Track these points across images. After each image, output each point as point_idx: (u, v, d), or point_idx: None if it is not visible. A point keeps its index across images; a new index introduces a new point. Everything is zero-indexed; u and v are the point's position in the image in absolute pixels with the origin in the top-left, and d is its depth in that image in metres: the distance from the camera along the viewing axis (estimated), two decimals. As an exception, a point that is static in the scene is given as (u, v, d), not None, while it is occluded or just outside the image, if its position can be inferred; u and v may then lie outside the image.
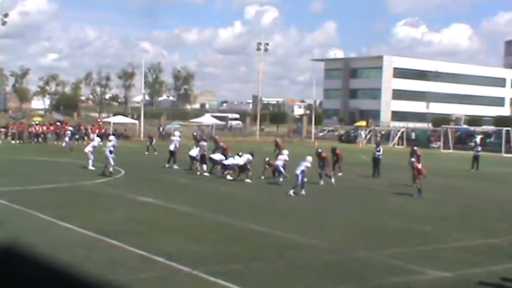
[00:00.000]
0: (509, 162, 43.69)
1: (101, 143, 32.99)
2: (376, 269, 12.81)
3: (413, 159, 27.47)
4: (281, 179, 27.41)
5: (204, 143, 32.27)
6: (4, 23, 62.67)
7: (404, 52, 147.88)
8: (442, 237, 16.61)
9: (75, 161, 35.88)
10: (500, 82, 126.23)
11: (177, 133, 35.15)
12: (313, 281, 11.53)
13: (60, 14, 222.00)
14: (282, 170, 27.70)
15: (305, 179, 24.23)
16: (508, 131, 62.16)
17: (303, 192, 23.73)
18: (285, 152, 29.71)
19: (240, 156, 28.99)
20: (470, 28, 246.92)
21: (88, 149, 31.24)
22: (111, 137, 32.39)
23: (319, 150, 29.31)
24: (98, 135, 36.42)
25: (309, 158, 24.97)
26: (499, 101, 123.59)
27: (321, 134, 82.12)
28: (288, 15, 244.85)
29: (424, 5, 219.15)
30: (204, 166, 30.61)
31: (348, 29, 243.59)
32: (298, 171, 23.89)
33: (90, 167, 30.34)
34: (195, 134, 41.73)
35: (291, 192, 23.41)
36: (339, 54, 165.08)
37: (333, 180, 28.06)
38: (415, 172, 25.26)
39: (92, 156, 30.71)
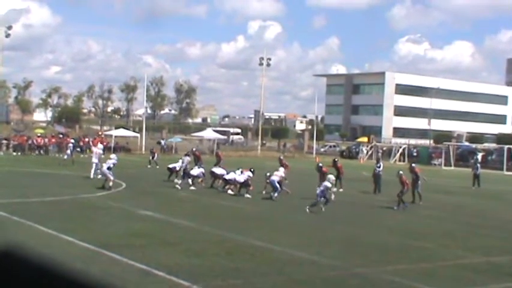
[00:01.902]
0: (511, 180, 43.61)
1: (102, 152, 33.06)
2: (376, 285, 12.79)
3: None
4: (276, 195, 27.28)
5: (188, 158, 32.65)
6: (8, 35, 63.09)
7: (407, 69, 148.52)
8: (443, 255, 16.57)
9: (76, 174, 35.93)
10: (502, 100, 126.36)
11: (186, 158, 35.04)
12: (313, 297, 11.52)
13: (64, 27, 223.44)
14: (277, 185, 27.58)
15: (326, 197, 24.12)
16: (509, 148, 62.14)
17: (323, 208, 23.61)
18: (281, 169, 29.71)
19: (242, 173, 28.94)
20: (473, 45, 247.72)
21: (105, 167, 29.93)
22: (112, 155, 32.29)
23: (320, 165, 29.25)
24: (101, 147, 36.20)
25: (331, 178, 25.22)
26: (500, 119, 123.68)
27: (322, 150, 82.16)
28: (291, 30, 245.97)
29: (427, 22, 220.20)
30: (183, 180, 30.77)
31: (351, 45, 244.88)
32: (318, 191, 23.92)
33: (92, 175, 30.00)
34: (194, 149, 41.41)
35: (308, 208, 23.43)
36: (341, 70, 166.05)
37: (332, 196, 27.87)
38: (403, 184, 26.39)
39: (96, 166, 30.41)
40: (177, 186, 30.04)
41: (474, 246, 18.06)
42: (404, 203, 25.07)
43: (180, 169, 33.09)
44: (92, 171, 30.64)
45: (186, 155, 34.71)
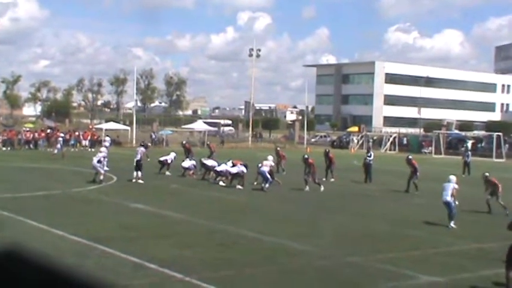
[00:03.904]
0: (500, 167, 43.80)
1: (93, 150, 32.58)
2: (368, 274, 12.85)
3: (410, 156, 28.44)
4: (267, 185, 27.26)
5: (142, 149, 31.55)
6: None
7: (396, 58, 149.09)
8: (434, 242, 16.67)
9: (67, 168, 35.86)
10: (491, 87, 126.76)
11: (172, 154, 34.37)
12: (305, 286, 11.56)
13: (52, 21, 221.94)
14: (268, 176, 27.52)
15: (454, 205, 19.42)
16: (498, 136, 62.39)
17: (453, 224, 18.89)
18: (270, 157, 29.68)
19: (234, 166, 28.86)
20: (462, 34, 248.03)
21: (95, 160, 29.10)
22: (103, 148, 32.12)
23: (306, 156, 29.13)
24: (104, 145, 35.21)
25: (453, 178, 20.01)
26: (489, 106, 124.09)
27: (313, 140, 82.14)
28: (281, 21, 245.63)
29: (416, 11, 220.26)
30: (139, 173, 29.37)
31: (340, 35, 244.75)
32: (448, 198, 19.11)
33: (100, 177, 29.08)
34: (184, 142, 41.35)
35: (452, 224, 18.87)
36: (331, 60, 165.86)
37: (322, 187, 27.85)
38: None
39: (101, 169, 29.33)
40: (140, 181, 28.92)
41: (465, 233, 18.16)
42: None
43: (171, 162, 33.07)
44: (101, 170, 29.24)
45: (141, 145, 33.70)
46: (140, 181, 28.88)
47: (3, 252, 1.51)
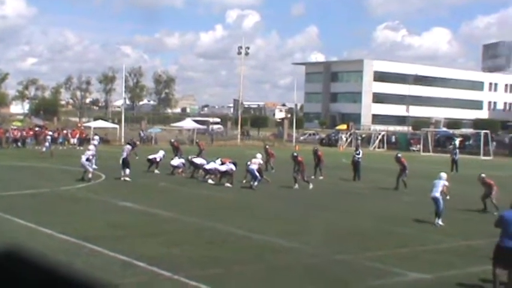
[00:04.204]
0: (488, 165, 44.05)
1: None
2: (356, 271, 12.87)
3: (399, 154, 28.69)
4: (256, 183, 27.27)
5: (128, 146, 31.68)
6: None
7: (385, 56, 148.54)
8: (422, 239, 16.72)
9: (55, 166, 35.72)
10: (479, 85, 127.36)
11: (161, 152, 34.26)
12: (293, 284, 11.57)
13: (40, 18, 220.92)
14: (257, 174, 27.53)
15: (443, 202, 19.27)
16: (486, 133, 62.69)
17: (440, 221, 18.94)
18: (259, 155, 29.70)
19: (223, 164, 28.85)
20: (450, 32, 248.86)
21: (83, 159, 28.90)
22: (91, 147, 31.96)
23: (295, 154, 29.17)
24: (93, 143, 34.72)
25: (444, 175, 19.98)
26: (477, 104, 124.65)
27: (302, 138, 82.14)
28: (269, 19, 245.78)
29: (405, 9, 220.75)
30: (127, 170, 29.24)
31: (329, 33, 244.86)
32: (436, 194, 19.14)
33: (89, 175, 28.92)
34: (172, 141, 41.38)
35: (439, 221, 18.91)
36: (320, 58, 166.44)
37: (310, 185, 27.89)
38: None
39: (89, 167, 29.14)
40: (127, 178, 28.80)
41: (454, 230, 18.23)
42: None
43: (160, 160, 33.00)
44: (90, 169, 29.04)
45: (128, 143, 33.99)
46: (127, 179, 28.77)
47: (3, 253, 1.49)
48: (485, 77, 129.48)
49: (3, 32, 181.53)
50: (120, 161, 29.51)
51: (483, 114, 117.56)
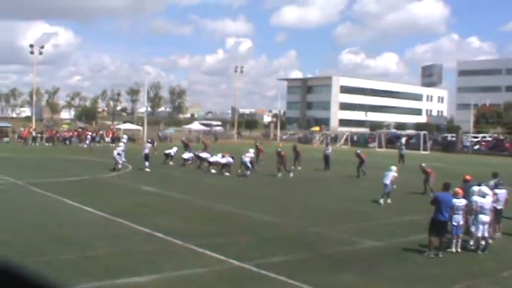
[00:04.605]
0: (426, 158, 44.12)
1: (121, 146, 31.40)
2: (326, 240, 12.89)
3: (358, 151, 29.43)
4: (248, 173, 27.19)
5: (149, 144, 31.33)
6: (41, 53, 63.51)
7: (349, 73, 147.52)
8: (376, 216, 16.76)
9: (93, 159, 35.56)
10: (419, 97, 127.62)
11: (174, 148, 33.85)
12: (278, 250, 11.57)
13: (84, 46, 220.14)
14: (249, 165, 27.48)
15: (394, 186, 19.65)
16: (424, 134, 62.95)
17: (389, 200, 19.22)
18: (251, 150, 29.63)
19: (223, 157, 28.77)
20: (397, 56, 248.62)
21: (115, 153, 28.88)
22: (121, 144, 31.74)
23: (279, 150, 29.12)
24: (120, 141, 34.22)
25: (394, 168, 20.16)
26: (418, 111, 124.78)
27: (284, 137, 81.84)
28: (259, 45, 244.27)
29: (363, 38, 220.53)
30: (146, 163, 28.75)
31: (306, 55, 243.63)
32: (387, 181, 19.27)
33: (119, 166, 28.28)
34: (183, 139, 41.28)
35: (381, 201, 19.02)
36: (298, 75, 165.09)
37: (291, 174, 27.86)
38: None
39: (120, 160, 28.56)
40: (147, 169, 28.29)
41: (400, 208, 18.28)
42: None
43: (174, 154, 32.78)
44: (120, 161, 28.86)
45: (148, 141, 33.87)
46: (147, 169, 28.49)
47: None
48: (424, 90, 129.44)
49: (57, 56, 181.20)
50: (143, 155, 29.35)
51: (422, 119, 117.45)
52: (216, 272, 9.81)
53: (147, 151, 29.47)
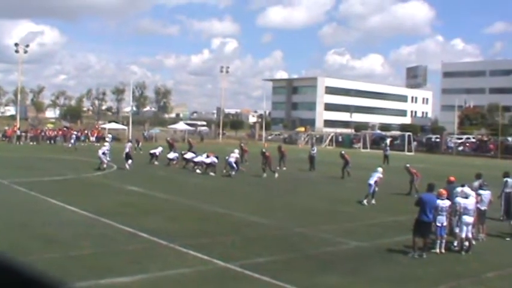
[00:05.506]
0: (410, 158, 44.43)
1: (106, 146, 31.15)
2: (311, 241, 12.90)
3: (343, 152, 29.49)
4: (233, 173, 27.16)
5: (130, 144, 31.87)
6: (26, 52, 63.78)
7: (334, 74, 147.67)
8: (361, 216, 16.81)
9: (78, 158, 35.28)
10: (403, 98, 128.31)
11: (159, 148, 33.79)
12: (263, 250, 11.55)
13: (69, 45, 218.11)
14: (234, 165, 27.46)
15: (376, 189, 19.48)
16: (409, 135, 63.43)
17: (374, 201, 19.27)
18: (236, 150, 29.62)
19: (208, 157, 28.70)
20: (382, 57, 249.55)
21: (100, 152, 28.60)
22: (106, 143, 31.71)
23: (263, 150, 29.12)
24: (105, 140, 34.36)
25: (380, 169, 20.38)
26: (402, 113, 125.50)
27: (269, 137, 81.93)
28: (245, 45, 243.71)
29: (349, 39, 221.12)
30: (129, 161, 28.95)
31: (291, 56, 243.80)
32: (371, 182, 19.34)
33: (104, 165, 28.14)
34: (168, 139, 41.15)
35: (365, 201, 19.04)
36: (284, 75, 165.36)
37: (276, 175, 27.82)
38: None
39: (104, 159, 28.33)
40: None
41: (384, 209, 18.35)
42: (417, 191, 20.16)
43: (159, 154, 32.65)
44: (105, 160, 28.65)
45: (129, 141, 34.09)
46: (128, 167, 28.42)
47: None
48: (408, 92, 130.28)
49: (42, 55, 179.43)
50: (124, 155, 29.30)
51: (407, 120, 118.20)
52: (200, 272, 9.76)
53: (127, 150, 29.60)
